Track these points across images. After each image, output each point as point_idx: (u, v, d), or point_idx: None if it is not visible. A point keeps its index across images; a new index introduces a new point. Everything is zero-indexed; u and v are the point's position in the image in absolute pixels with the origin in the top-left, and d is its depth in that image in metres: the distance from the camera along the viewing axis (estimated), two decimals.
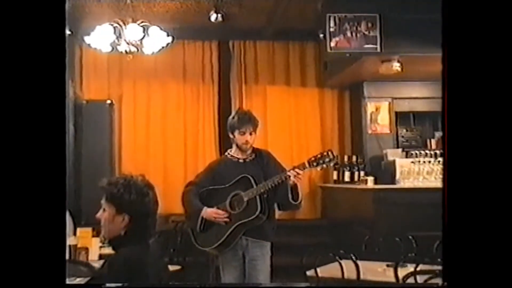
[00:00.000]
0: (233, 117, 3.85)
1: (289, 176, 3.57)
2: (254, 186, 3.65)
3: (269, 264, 3.78)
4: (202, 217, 3.74)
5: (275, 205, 3.83)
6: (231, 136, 3.87)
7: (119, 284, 2.16)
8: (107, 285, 2.17)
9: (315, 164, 3.60)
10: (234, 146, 3.88)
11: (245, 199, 3.66)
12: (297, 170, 3.57)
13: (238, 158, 3.86)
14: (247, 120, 3.80)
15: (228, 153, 3.94)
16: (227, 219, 3.69)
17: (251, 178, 3.68)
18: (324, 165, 3.60)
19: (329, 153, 3.60)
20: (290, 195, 3.63)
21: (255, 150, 3.90)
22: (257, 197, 3.63)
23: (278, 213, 3.89)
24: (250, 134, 3.80)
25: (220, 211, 3.71)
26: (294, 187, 3.63)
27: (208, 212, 3.73)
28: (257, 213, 3.63)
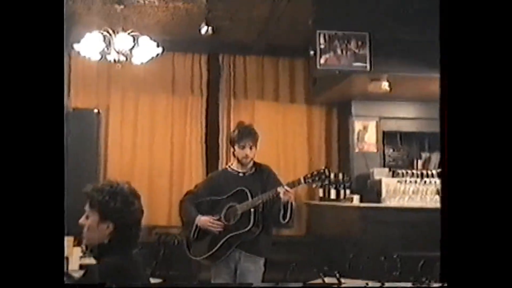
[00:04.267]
0: (234, 131, 3.85)
1: (279, 193, 3.54)
2: (250, 200, 3.63)
3: (261, 280, 3.74)
4: (197, 225, 3.72)
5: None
6: (232, 149, 3.86)
7: (120, 285, 2.12)
8: (108, 285, 2.12)
9: (310, 181, 3.58)
10: (235, 160, 3.86)
11: (239, 212, 3.64)
12: (286, 187, 3.54)
13: (238, 172, 3.84)
14: (247, 135, 3.78)
15: (229, 166, 3.94)
16: (220, 229, 3.67)
17: (247, 191, 3.66)
18: (320, 183, 3.58)
19: (326, 170, 3.59)
20: (281, 213, 3.60)
21: (255, 165, 3.87)
22: (251, 210, 3.61)
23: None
24: (250, 148, 3.78)
25: (214, 220, 3.69)
26: (286, 205, 3.59)
27: (202, 220, 3.71)
28: (250, 226, 3.61)
